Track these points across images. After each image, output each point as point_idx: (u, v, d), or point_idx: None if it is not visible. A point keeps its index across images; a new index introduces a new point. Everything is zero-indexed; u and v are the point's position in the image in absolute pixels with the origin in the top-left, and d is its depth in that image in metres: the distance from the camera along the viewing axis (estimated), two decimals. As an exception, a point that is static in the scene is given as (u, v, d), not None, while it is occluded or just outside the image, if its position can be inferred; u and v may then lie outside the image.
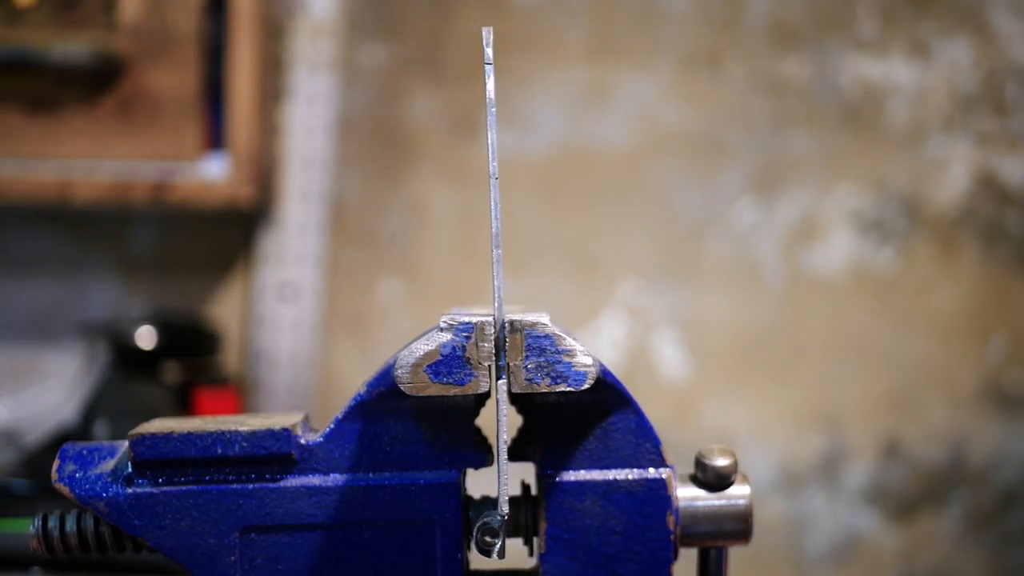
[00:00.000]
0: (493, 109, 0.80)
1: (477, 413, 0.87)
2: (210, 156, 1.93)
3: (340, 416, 0.87)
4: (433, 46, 2.06)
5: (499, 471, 0.80)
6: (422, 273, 2.07)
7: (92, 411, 1.78)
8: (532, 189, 2.06)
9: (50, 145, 1.92)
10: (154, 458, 0.85)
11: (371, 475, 0.86)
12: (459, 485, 0.87)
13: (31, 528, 0.88)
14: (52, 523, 0.88)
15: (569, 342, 0.82)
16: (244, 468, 0.86)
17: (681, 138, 2.06)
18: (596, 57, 2.06)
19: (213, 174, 1.92)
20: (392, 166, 2.06)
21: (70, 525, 0.87)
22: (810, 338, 2.06)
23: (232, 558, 0.86)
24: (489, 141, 0.80)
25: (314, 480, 0.86)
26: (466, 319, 0.82)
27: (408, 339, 0.84)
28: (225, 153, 1.92)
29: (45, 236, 2.07)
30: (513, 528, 0.88)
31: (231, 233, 2.07)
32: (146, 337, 1.85)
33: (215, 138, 1.94)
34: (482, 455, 0.87)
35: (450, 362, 0.81)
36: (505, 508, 0.80)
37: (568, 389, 0.82)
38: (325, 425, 0.87)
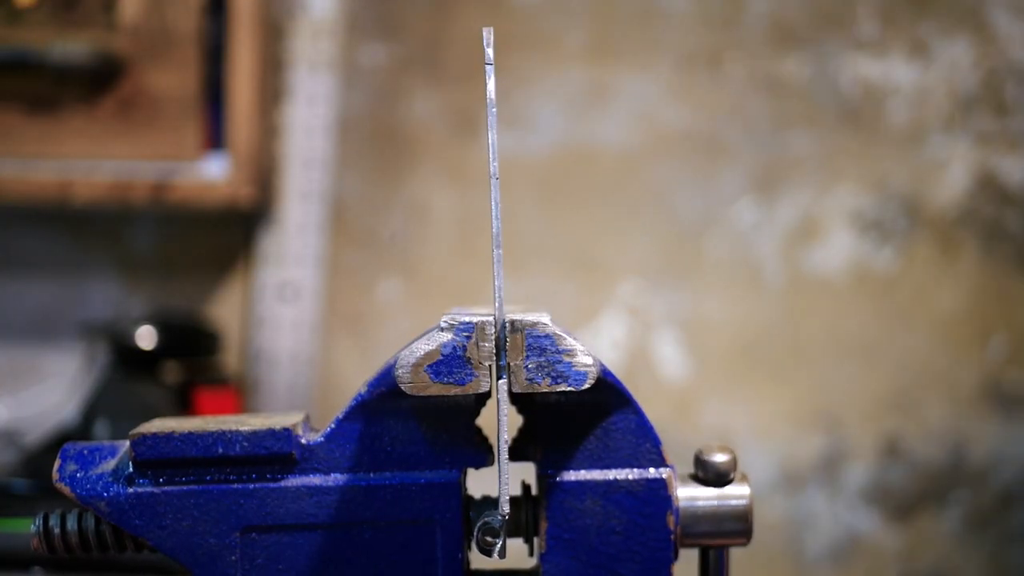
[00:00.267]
0: (494, 109, 0.80)
1: (478, 413, 0.87)
2: (210, 156, 1.93)
3: (341, 416, 0.87)
4: (433, 46, 2.06)
5: (500, 471, 0.80)
6: (422, 273, 2.07)
7: (92, 411, 1.78)
8: (532, 189, 2.06)
9: (50, 145, 1.92)
10: (155, 458, 0.85)
11: (372, 475, 0.87)
12: (460, 485, 0.87)
13: (32, 527, 0.88)
14: (53, 522, 0.88)
15: (569, 342, 0.82)
16: (245, 468, 0.86)
17: (681, 138, 2.06)
18: (596, 57, 2.06)
19: (213, 174, 1.92)
20: (392, 166, 2.06)
21: (71, 524, 0.88)
22: (810, 338, 2.06)
23: (233, 558, 0.86)
24: (489, 141, 0.80)
25: (315, 480, 0.86)
26: (467, 319, 0.82)
27: (408, 339, 0.84)
28: (225, 153, 1.92)
29: (45, 236, 2.07)
30: (514, 528, 0.88)
31: (231, 233, 2.07)
32: (146, 337, 1.85)
33: (215, 138, 1.94)
34: (483, 455, 0.87)
35: (451, 362, 0.81)
36: (506, 508, 0.80)
37: (568, 389, 0.82)
38: (326, 425, 0.87)
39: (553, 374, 0.82)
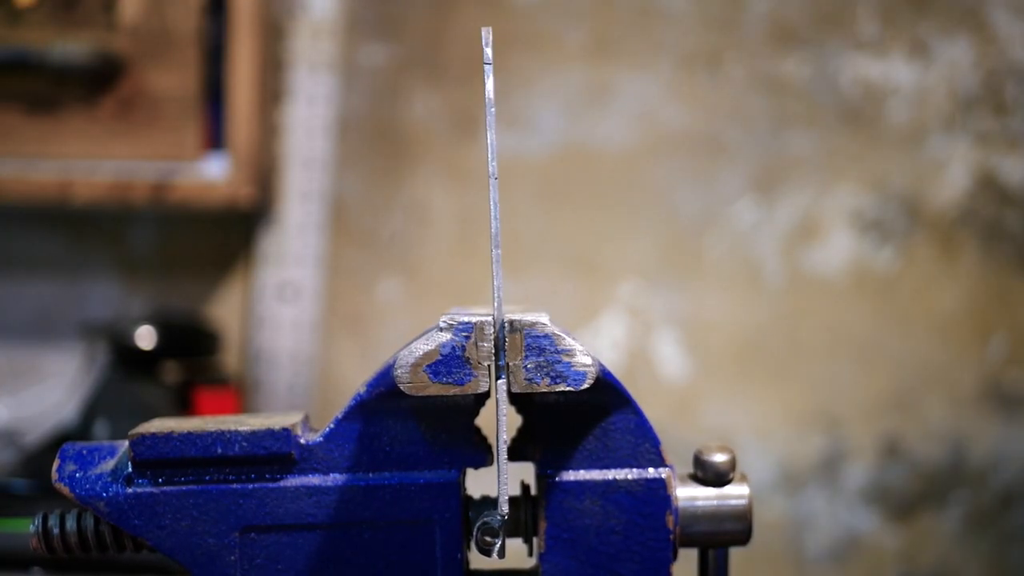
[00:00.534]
0: (492, 109, 0.80)
1: (477, 413, 0.87)
2: (210, 156, 1.93)
3: (340, 416, 0.87)
4: (433, 46, 2.06)
5: (499, 471, 0.80)
6: (422, 273, 2.07)
7: (92, 411, 1.78)
8: (532, 189, 2.06)
9: (50, 145, 1.92)
10: (154, 458, 0.85)
11: (371, 475, 0.87)
12: (459, 485, 0.87)
13: (31, 527, 0.88)
14: (52, 522, 0.88)
15: (568, 342, 0.82)
16: (244, 468, 0.86)
17: (681, 138, 2.06)
18: (596, 57, 2.06)
19: (213, 174, 1.92)
20: (392, 166, 2.06)
21: (70, 524, 0.88)
22: (810, 338, 2.06)
23: (232, 558, 0.86)
24: (489, 141, 0.80)
25: (314, 480, 0.86)
26: (465, 319, 0.82)
27: (408, 339, 0.84)
28: (225, 153, 1.92)
29: (45, 236, 2.07)
30: (513, 528, 0.88)
31: (231, 233, 2.07)
32: (146, 337, 1.85)
33: (215, 138, 1.94)
34: (482, 455, 0.87)
35: (450, 362, 0.81)
36: (505, 508, 0.80)
37: (568, 389, 0.82)
38: (325, 425, 0.87)
39: (552, 374, 0.82)
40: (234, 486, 0.86)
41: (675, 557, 0.88)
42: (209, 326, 1.99)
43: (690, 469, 0.91)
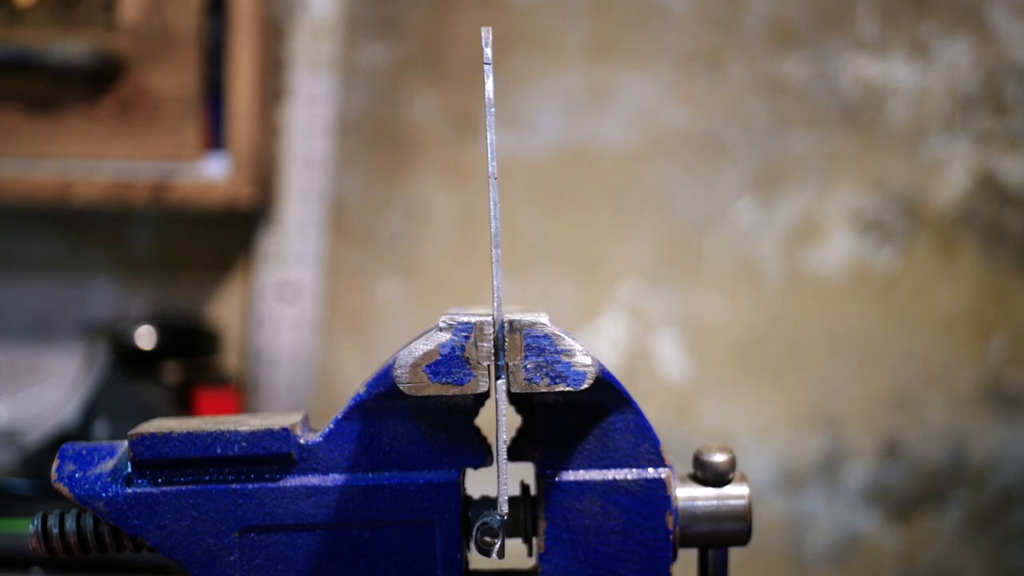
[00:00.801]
0: (492, 109, 0.80)
1: (476, 413, 0.87)
2: (210, 156, 1.93)
3: (339, 416, 0.87)
4: (433, 46, 2.06)
5: (498, 471, 0.80)
6: (422, 273, 2.07)
7: (92, 411, 1.78)
8: (532, 189, 2.06)
9: (50, 145, 1.92)
10: (153, 458, 0.85)
11: (370, 475, 0.87)
12: (458, 485, 0.87)
13: (30, 528, 0.88)
14: (51, 523, 0.88)
15: (568, 342, 0.82)
16: (243, 468, 0.86)
17: (681, 138, 2.06)
18: (596, 57, 2.06)
19: (213, 174, 1.92)
20: (392, 166, 2.06)
21: (69, 525, 0.88)
22: (810, 338, 2.06)
23: (231, 558, 0.86)
24: (488, 141, 0.80)
25: (313, 480, 0.86)
26: (465, 319, 0.82)
27: (408, 339, 0.84)
28: (225, 153, 1.92)
29: (45, 236, 2.07)
30: (512, 528, 0.88)
31: (231, 233, 2.07)
32: (146, 337, 1.85)
33: (215, 138, 1.94)
34: (481, 455, 0.87)
35: (449, 362, 0.81)
36: (504, 508, 0.80)
37: (567, 389, 0.82)
38: (325, 425, 0.87)
39: (552, 374, 0.82)
40: (234, 486, 0.86)
41: (675, 557, 0.88)
42: (209, 326, 1.99)
43: (690, 469, 0.91)
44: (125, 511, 0.85)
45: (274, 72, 2.02)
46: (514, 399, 0.90)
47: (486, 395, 0.84)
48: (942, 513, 2.06)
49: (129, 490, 0.85)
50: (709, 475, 0.89)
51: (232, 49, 1.92)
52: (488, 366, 0.82)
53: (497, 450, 0.80)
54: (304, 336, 2.03)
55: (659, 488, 0.87)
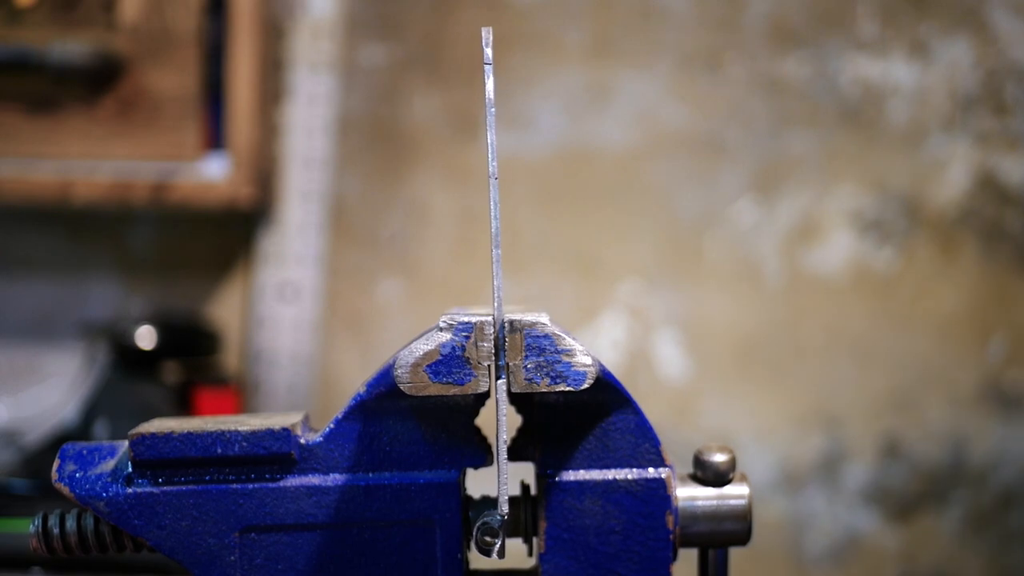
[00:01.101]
0: (492, 109, 0.80)
1: (477, 413, 0.87)
2: (210, 156, 1.93)
3: (340, 416, 0.87)
4: (433, 46, 2.06)
5: (499, 471, 0.80)
6: (422, 273, 2.07)
7: (92, 411, 1.78)
8: (532, 189, 2.06)
9: (50, 145, 1.92)
10: (154, 458, 0.85)
11: (371, 475, 0.87)
12: (459, 485, 0.87)
13: (31, 528, 0.88)
14: (52, 522, 0.88)
15: (568, 342, 0.82)
16: (244, 468, 0.86)
17: (681, 138, 2.06)
18: (596, 57, 2.06)
19: (213, 174, 1.92)
20: (392, 166, 2.06)
21: (70, 525, 0.88)
22: (810, 338, 2.06)
23: (232, 558, 0.86)
24: (489, 141, 0.80)
25: (314, 480, 0.86)
26: (465, 319, 0.82)
27: (408, 339, 0.84)
28: (225, 153, 1.92)
29: (45, 236, 2.07)
30: (513, 528, 0.88)
31: (231, 233, 2.07)
32: (146, 337, 1.85)
33: (215, 138, 1.94)
34: (482, 455, 0.87)
35: (450, 362, 0.81)
36: (505, 508, 0.80)
37: (567, 389, 0.82)
38: (325, 425, 0.87)
39: (552, 374, 0.82)
40: (234, 486, 0.86)
41: (675, 557, 0.88)
42: (209, 326, 1.99)
43: (690, 469, 0.91)
44: (126, 511, 0.85)
45: (274, 72, 2.02)
46: (514, 399, 0.90)
47: (486, 395, 0.84)
48: (942, 513, 2.06)
49: (130, 490, 0.85)
50: (709, 475, 0.89)
51: (232, 49, 1.92)
52: (488, 366, 0.82)
53: (497, 450, 0.80)
54: (304, 336, 2.03)
55: (659, 488, 0.87)
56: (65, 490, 0.86)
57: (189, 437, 0.85)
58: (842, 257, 2.05)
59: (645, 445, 0.87)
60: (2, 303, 2.07)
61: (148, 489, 0.85)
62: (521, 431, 0.89)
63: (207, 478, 0.86)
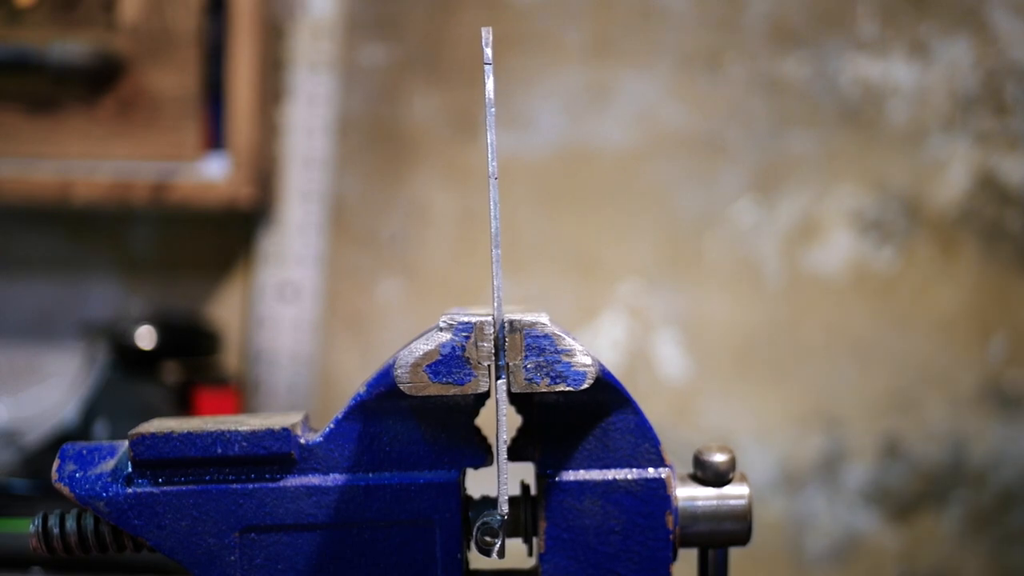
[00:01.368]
0: (492, 109, 0.80)
1: (477, 413, 0.87)
2: (210, 156, 1.93)
3: (340, 416, 0.87)
4: (433, 46, 2.06)
5: (499, 471, 0.80)
6: (422, 273, 2.07)
7: (92, 411, 1.78)
8: (532, 189, 2.06)
9: (50, 145, 1.92)
10: (154, 458, 0.85)
11: (371, 475, 0.87)
12: (459, 485, 0.87)
13: (31, 528, 0.88)
14: (52, 522, 0.88)
15: (568, 342, 0.82)
16: (244, 468, 0.86)
17: (681, 138, 2.06)
18: (596, 57, 2.06)
19: (213, 174, 1.92)
20: (392, 166, 2.06)
21: (70, 525, 0.88)
22: (810, 338, 2.06)
23: (232, 558, 0.86)
24: (488, 141, 0.80)
25: (314, 480, 0.86)
26: (465, 319, 0.82)
27: (408, 339, 0.84)
28: (225, 153, 1.92)
29: (45, 236, 2.07)
30: (513, 528, 0.88)
31: (231, 233, 2.07)
32: (146, 337, 1.85)
33: (215, 138, 1.94)
34: (482, 455, 0.87)
35: (449, 362, 0.81)
36: (505, 508, 0.80)
37: (567, 389, 0.82)
38: (325, 425, 0.87)
39: (552, 374, 0.82)
40: (234, 486, 0.86)
41: (675, 557, 0.88)
42: (209, 326, 1.99)
43: (690, 469, 0.91)
44: (125, 511, 0.85)
45: (274, 72, 2.02)
46: (514, 399, 0.90)
47: (486, 395, 0.84)
48: (942, 513, 2.06)
49: (129, 490, 0.85)
50: (709, 475, 0.89)
51: (232, 49, 1.92)
52: (488, 366, 0.82)
53: (497, 450, 0.80)
54: (304, 336, 2.03)
55: (659, 488, 0.87)
56: (65, 490, 0.86)
57: (189, 437, 0.85)
58: (842, 257, 2.05)
59: (645, 445, 0.87)
60: (2, 303, 2.07)
61: (148, 489, 0.85)
62: (521, 431, 0.89)
63: (207, 478, 0.86)
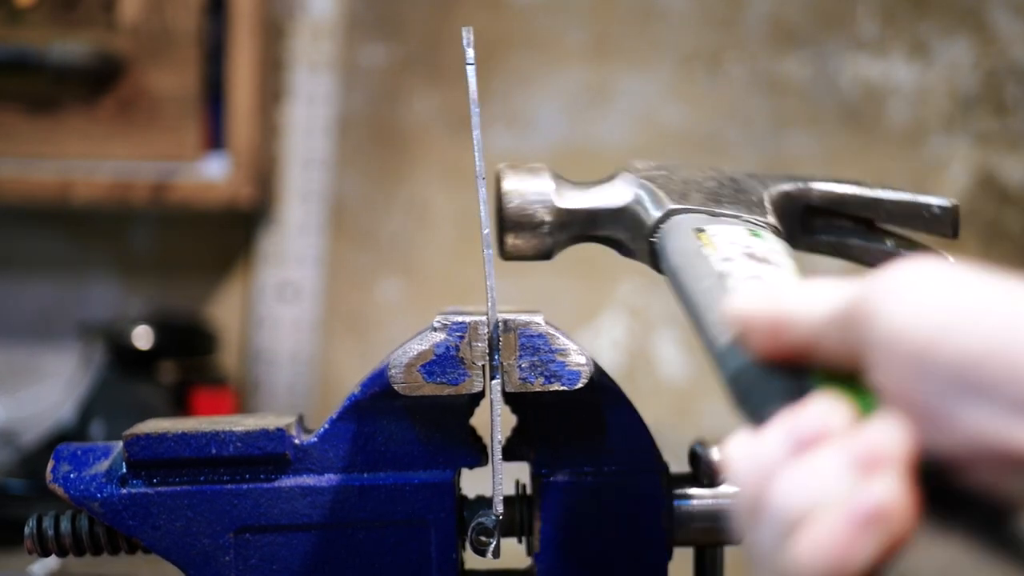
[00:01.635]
0: (476, 108, 0.80)
1: (471, 413, 0.87)
2: (210, 156, 1.93)
3: (334, 416, 0.87)
4: (433, 46, 2.06)
5: (493, 471, 0.80)
6: (422, 273, 2.07)
7: (88, 411, 1.78)
8: (532, 189, 2.05)
9: (50, 145, 1.92)
10: (148, 458, 0.85)
11: (366, 475, 0.87)
12: (453, 485, 0.87)
13: (26, 529, 0.88)
14: (47, 524, 0.88)
15: (563, 341, 0.82)
16: (239, 468, 0.86)
17: (681, 138, 2.06)
18: (596, 57, 2.06)
19: (213, 174, 1.92)
20: (392, 166, 2.06)
21: (64, 526, 0.88)
22: (810, 338, 2.05)
23: (227, 558, 0.86)
24: (474, 140, 0.80)
25: (309, 480, 0.86)
26: (459, 319, 0.82)
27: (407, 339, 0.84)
28: (225, 153, 1.92)
29: (45, 236, 2.07)
30: (508, 527, 0.88)
31: (231, 233, 2.07)
32: (143, 337, 1.85)
33: (215, 138, 1.94)
34: (476, 455, 0.87)
35: (444, 362, 0.82)
36: (500, 508, 0.80)
37: (562, 388, 0.82)
38: (320, 425, 0.87)
39: (546, 374, 0.82)
40: (229, 486, 0.86)
41: (670, 556, 0.88)
42: (206, 326, 1.99)
43: (686, 468, 0.91)
44: (120, 512, 0.85)
45: (274, 72, 2.02)
46: (509, 399, 0.90)
47: (481, 395, 0.84)
48: (942, 513, 2.06)
49: (124, 491, 0.85)
50: (705, 471, 0.89)
51: (232, 49, 1.92)
52: (483, 366, 0.82)
53: (492, 450, 0.80)
54: (304, 336, 2.03)
55: (654, 487, 0.87)
56: (60, 491, 0.86)
57: (183, 437, 0.85)
58: (842, 257, 2.05)
59: (640, 444, 0.87)
60: (1, 303, 2.07)
61: (142, 490, 0.85)
62: (516, 431, 0.89)
63: (202, 478, 0.86)
